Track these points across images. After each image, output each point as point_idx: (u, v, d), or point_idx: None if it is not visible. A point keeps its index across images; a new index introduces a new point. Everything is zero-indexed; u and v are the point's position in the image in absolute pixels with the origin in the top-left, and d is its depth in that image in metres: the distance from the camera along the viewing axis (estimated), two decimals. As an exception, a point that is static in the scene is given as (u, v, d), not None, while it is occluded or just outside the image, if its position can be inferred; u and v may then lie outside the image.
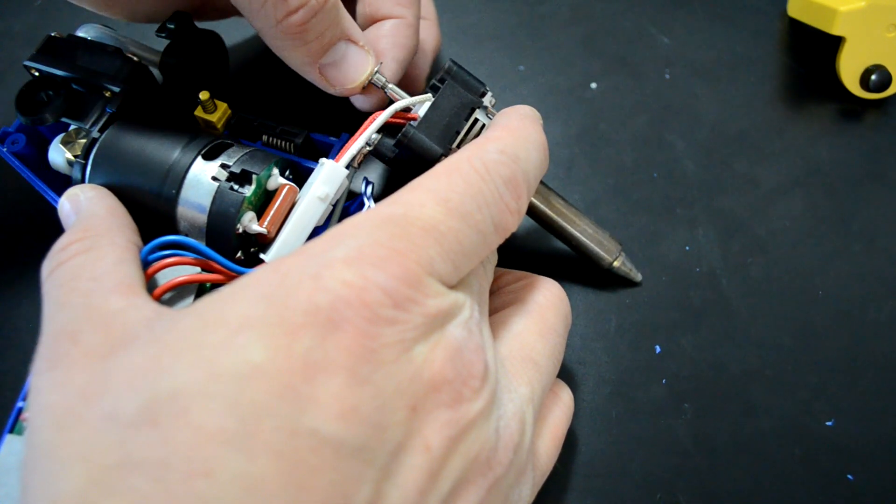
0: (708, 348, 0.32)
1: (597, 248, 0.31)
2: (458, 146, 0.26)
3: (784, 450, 0.30)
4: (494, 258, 0.26)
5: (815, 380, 0.31)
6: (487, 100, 0.27)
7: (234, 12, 0.30)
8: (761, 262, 0.34)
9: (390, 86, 0.27)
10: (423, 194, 0.21)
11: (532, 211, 0.30)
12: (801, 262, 0.34)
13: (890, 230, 0.35)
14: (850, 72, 0.38)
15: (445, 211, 0.20)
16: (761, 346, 0.32)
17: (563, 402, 0.27)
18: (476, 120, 0.27)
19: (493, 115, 0.27)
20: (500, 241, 0.22)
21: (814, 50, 0.40)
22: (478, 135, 0.27)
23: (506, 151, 0.22)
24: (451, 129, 0.26)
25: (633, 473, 0.29)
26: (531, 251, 0.34)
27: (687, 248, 0.34)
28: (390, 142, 0.26)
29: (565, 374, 0.30)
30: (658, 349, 0.32)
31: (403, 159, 0.26)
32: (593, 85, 0.39)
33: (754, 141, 0.38)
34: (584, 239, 0.31)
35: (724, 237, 0.35)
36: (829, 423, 0.30)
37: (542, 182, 0.30)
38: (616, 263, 0.32)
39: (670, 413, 0.30)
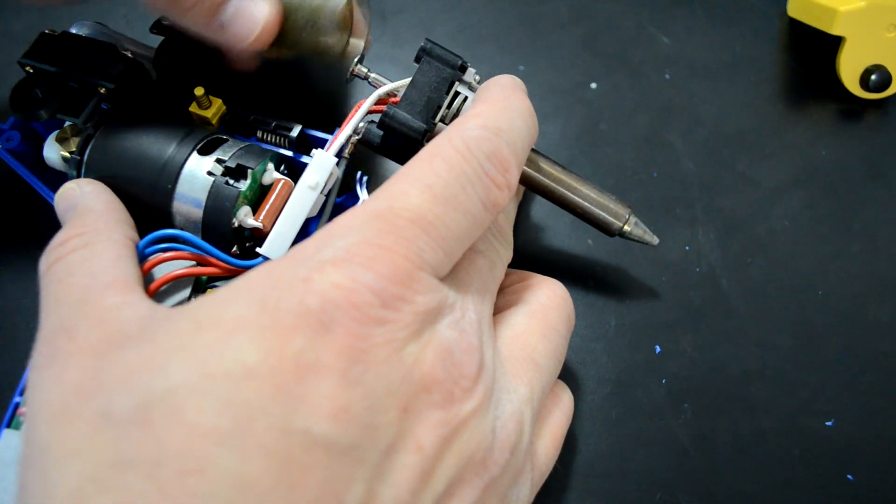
0: (708, 348, 0.32)
1: (603, 214, 0.28)
2: (443, 121, 0.26)
3: (784, 450, 0.29)
4: (507, 257, 0.26)
5: (815, 380, 0.31)
6: (471, 76, 0.27)
7: None
8: (761, 262, 0.34)
9: (373, 75, 0.27)
10: (407, 183, 0.20)
11: (529, 182, 0.28)
12: (801, 262, 0.34)
13: (890, 230, 0.35)
14: (850, 72, 0.38)
15: (430, 197, 0.20)
16: (761, 346, 0.32)
17: (563, 404, 0.26)
18: (457, 93, 0.26)
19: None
20: (493, 217, 0.22)
21: (814, 50, 0.40)
22: (460, 110, 0.26)
23: (486, 125, 0.22)
24: (433, 104, 0.25)
25: (633, 473, 0.29)
26: (533, 251, 0.34)
27: (687, 248, 0.34)
28: (378, 130, 0.26)
29: (565, 374, 0.30)
30: (658, 349, 0.32)
31: (392, 145, 0.26)
32: (593, 85, 0.39)
33: (754, 141, 0.37)
34: (587, 205, 0.28)
35: (724, 237, 0.34)
36: (828, 423, 0.30)
37: (538, 152, 0.28)
38: (627, 228, 0.29)
39: (670, 413, 0.30)
